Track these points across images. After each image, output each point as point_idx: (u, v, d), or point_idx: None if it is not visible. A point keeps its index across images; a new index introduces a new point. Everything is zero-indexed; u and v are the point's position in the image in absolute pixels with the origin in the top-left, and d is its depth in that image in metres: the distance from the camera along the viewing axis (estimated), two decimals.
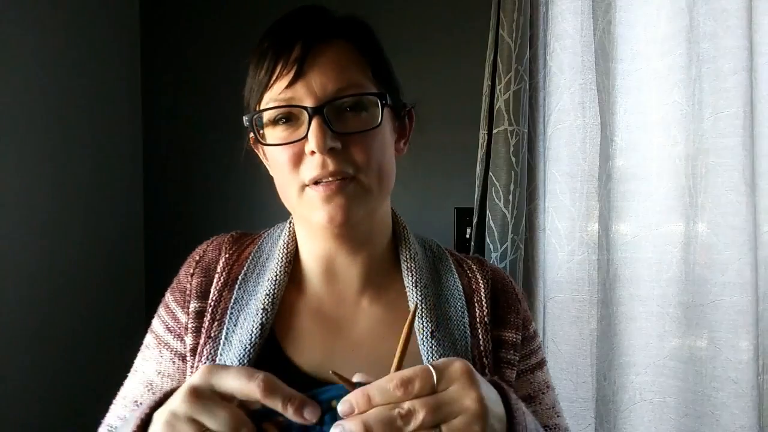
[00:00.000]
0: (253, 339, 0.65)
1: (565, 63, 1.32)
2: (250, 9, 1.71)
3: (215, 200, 1.75)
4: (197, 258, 0.75)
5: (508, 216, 1.30)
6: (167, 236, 1.78)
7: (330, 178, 0.61)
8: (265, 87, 0.63)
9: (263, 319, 0.66)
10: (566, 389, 1.33)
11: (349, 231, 0.68)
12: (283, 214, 0.78)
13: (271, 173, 0.72)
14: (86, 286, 1.59)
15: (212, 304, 0.70)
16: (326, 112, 0.61)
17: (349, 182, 0.62)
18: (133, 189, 1.79)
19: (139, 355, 0.74)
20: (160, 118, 1.81)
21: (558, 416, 0.74)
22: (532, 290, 1.34)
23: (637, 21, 1.26)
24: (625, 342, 1.28)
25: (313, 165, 0.61)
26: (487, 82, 1.34)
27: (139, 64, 1.81)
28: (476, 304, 0.72)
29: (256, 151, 0.74)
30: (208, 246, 0.77)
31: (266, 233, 0.78)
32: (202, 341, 0.68)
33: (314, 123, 0.60)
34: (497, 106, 1.31)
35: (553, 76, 1.33)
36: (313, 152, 0.61)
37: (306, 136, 0.61)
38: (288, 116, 0.63)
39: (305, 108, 0.61)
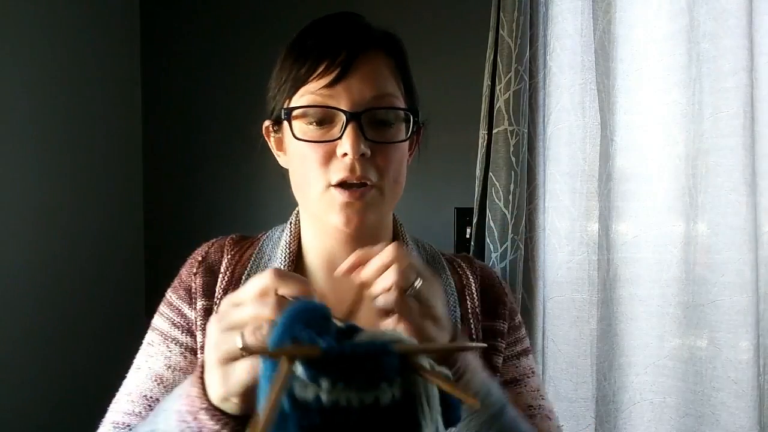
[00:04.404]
0: None
1: (565, 63, 1.31)
2: (250, 9, 1.71)
3: (215, 199, 1.75)
4: (200, 258, 0.77)
5: (508, 216, 1.30)
6: (167, 236, 1.78)
7: (355, 182, 0.65)
8: (303, 82, 0.66)
9: None
10: (566, 389, 1.33)
11: (359, 232, 0.70)
12: (282, 214, 0.79)
13: (284, 165, 0.74)
14: (85, 286, 1.59)
15: (218, 302, 0.72)
16: (362, 119, 0.64)
17: (369, 189, 0.66)
18: (132, 188, 1.79)
19: (141, 353, 0.74)
20: (160, 118, 1.81)
21: (542, 399, 0.77)
22: (532, 290, 1.34)
23: (637, 21, 1.26)
24: (625, 342, 1.28)
25: (342, 167, 0.64)
26: (487, 82, 1.34)
27: (139, 63, 1.81)
28: (467, 298, 0.77)
29: (267, 140, 0.76)
30: (209, 247, 0.79)
31: (265, 236, 0.81)
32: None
33: (350, 128, 0.63)
34: (497, 106, 1.31)
35: (553, 76, 1.33)
36: (345, 155, 0.64)
37: (339, 138, 0.64)
38: (322, 115, 0.66)
39: (344, 112, 0.64)
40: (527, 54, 1.30)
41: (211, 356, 0.49)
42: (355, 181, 0.65)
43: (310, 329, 0.37)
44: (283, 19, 1.66)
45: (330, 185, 0.66)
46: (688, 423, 1.22)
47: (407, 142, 0.71)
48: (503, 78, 1.29)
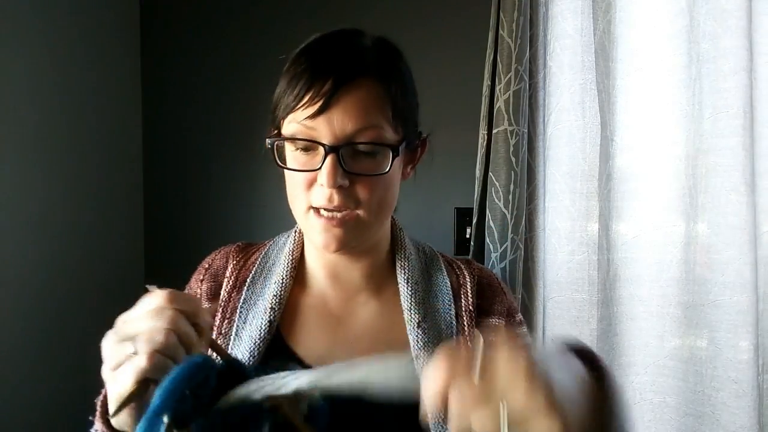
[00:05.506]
0: (261, 334, 0.72)
1: (565, 63, 1.31)
2: (252, 10, 1.71)
3: (215, 202, 1.75)
4: (206, 266, 0.83)
5: (508, 216, 1.30)
6: (167, 238, 1.78)
7: (333, 211, 0.67)
8: (291, 109, 0.67)
9: (271, 317, 0.73)
10: None
11: (347, 250, 0.73)
12: (282, 218, 0.81)
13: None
14: (85, 289, 1.59)
15: (222, 304, 0.77)
16: (341, 151, 0.65)
17: (350, 215, 0.68)
18: (133, 190, 1.79)
19: None
20: (160, 118, 1.81)
21: None
22: (532, 290, 1.34)
23: (637, 21, 1.26)
24: (625, 342, 1.28)
25: (321, 195, 0.66)
26: (486, 82, 1.34)
27: (139, 64, 1.81)
28: (462, 296, 0.79)
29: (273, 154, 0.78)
30: (216, 255, 0.85)
31: (271, 242, 0.85)
32: (213, 337, 0.74)
33: (328, 160, 0.64)
34: (497, 106, 1.31)
35: (553, 76, 1.33)
36: (323, 184, 0.65)
37: (320, 168, 0.65)
38: (307, 143, 0.67)
39: (323, 145, 0.65)
40: (527, 54, 1.30)
41: (105, 371, 0.51)
42: (333, 211, 0.67)
43: (192, 396, 0.42)
44: (286, 21, 1.66)
45: (310, 207, 0.68)
46: (688, 423, 1.22)
47: (397, 166, 0.70)
48: (503, 78, 1.29)
